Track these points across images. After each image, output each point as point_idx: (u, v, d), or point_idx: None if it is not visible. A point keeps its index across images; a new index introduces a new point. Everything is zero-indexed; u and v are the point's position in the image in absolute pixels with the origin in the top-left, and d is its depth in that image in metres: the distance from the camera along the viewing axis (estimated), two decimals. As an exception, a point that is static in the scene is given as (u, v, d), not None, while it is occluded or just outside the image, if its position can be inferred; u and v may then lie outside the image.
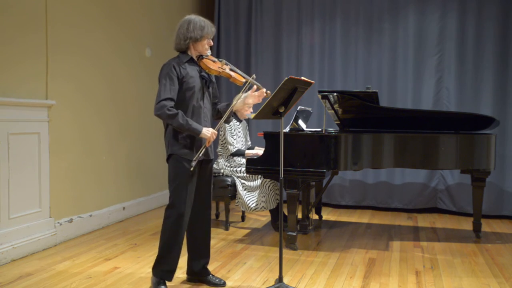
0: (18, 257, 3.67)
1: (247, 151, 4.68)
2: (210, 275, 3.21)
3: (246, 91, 3.12)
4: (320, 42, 6.03)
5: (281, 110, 3.05)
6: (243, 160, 4.66)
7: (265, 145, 4.13)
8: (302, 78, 3.03)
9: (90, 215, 4.54)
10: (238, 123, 4.78)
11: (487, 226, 5.00)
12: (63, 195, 4.19)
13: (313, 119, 5.61)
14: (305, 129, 4.61)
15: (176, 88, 2.92)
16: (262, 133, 4.17)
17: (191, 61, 3.02)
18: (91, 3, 4.51)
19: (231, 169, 4.69)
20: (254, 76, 3.15)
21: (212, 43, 3.09)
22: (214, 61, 3.07)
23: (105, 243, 4.16)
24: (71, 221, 4.28)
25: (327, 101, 4.34)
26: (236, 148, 4.66)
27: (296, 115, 4.46)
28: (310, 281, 3.29)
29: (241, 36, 6.38)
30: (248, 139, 5.04)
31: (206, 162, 3.13)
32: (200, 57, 3.04)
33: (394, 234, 4.67)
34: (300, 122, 4.58)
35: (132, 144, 5.22)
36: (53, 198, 4.06)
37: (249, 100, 3.12)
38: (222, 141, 4.73)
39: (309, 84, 3.13)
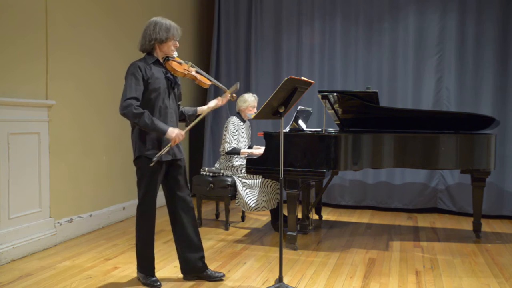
0: (18, 257, 3.67)
1: (242, 150, 4.68)
2: (208, 270, 3.24)
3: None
4: (320, 42, 6.03)
5: (281, 110, 3.05)
6: (245, 160, 4.65)
7: (265, 145, 4.13)
8: (302, 78, 3.04)
9: (90, 215, 4.54)
10: (242, 123, 4.78)
11: (487, 226, 5.00)
12: (63, 195, 4.19)
13: (313, 119, 5.61)
14: (305, 129, 4.61)
15: (141, 89, 2.96)
16: (262, 133, 4.17)
17: (156, 62, 3.07)
18: (91, 2, 4.51)
19: (232, 168, 4.69)
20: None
21: (178, 45, 3.13)
22: (180, 63, 3.13)
23: (105, 243, 4.16)
24: (71, 221, 4.28)
25: (327, 101, 4.34)
26: (232, 147, 4.65)
27: (296, 115, 4.46)
28: (310, 281, 3.29)
29: (241, 36, 6.38)
30: (249, 139, 5.04)
31: (176, 161, 3.16)
32: (166, 58, 3.10)
33: (394, 234, 4.67)
34: (300, 122, 4.58)
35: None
36: (53, 198, 4.06)
37: (211, 104, 3.30)
38: (223, 139, 4.73)
39: (309, 84, 3.14)
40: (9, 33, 3.63)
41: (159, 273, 3.36)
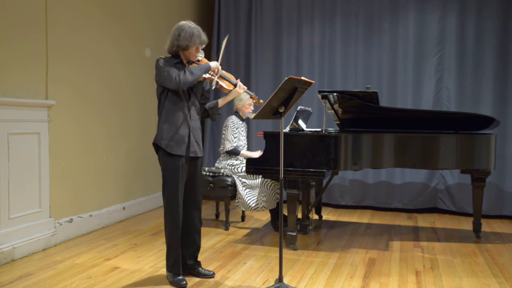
0: (18, 257, 3.67)
1: (242, 151, 4.69)
2: (200, 268, 3.32)
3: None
4: (320, 42, 6.03)
5: (281, 110, 3.05)
6: (245, 160, 4.65)
7: (265, 145, 4.13)
8: (302, 78, 3.04)
9: (90, 215, 4.54)
10: (241, 122, 4.79)
11: (487, 226, 5.00)
12: (63, 195, 4.19)
13: (313, 119, 5.61)
14: (305, 129, 4.61)
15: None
16: (262, 133, 4.17)
17: (180, 63, 3.15)
18: (91, 3, 4.51)
19: (232, 167, 4.68)
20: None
21: (200, 50, 3.20)
22: None
23: (105, 243, 4.16)
24: (71, 221, 4.28)
25: (327, 101, 4.34)
26: (233, 147, 4.65)
27: (296, 115, 4.46)
28: (310, 281, 3.29)
29: (241, 36, 6.38)
30: (246, 139, 5.05)
31: (196, 159, 3.23)
32: (189, 61, 3.18)
33: (394, 234, 4.67)
34: (300, 122, 4.58)
35: (132, 144, 5.22)
36: (53, 198, 4.06)
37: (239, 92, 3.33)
38: (223, 138, 4.73)
39: (309, 84, 3.14)
40: (10, 33, 3.63)
41: (159, 273, 3.36)
